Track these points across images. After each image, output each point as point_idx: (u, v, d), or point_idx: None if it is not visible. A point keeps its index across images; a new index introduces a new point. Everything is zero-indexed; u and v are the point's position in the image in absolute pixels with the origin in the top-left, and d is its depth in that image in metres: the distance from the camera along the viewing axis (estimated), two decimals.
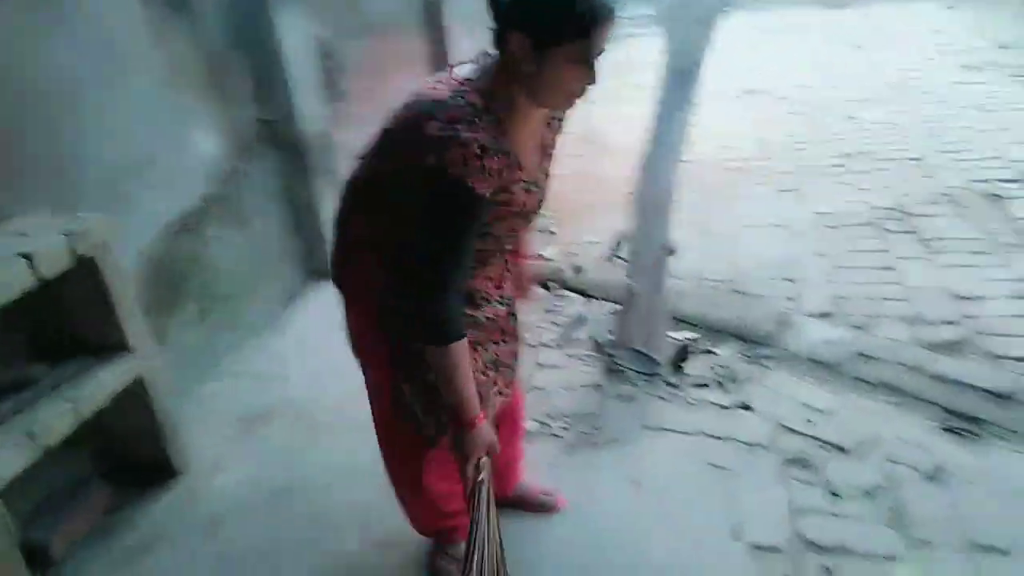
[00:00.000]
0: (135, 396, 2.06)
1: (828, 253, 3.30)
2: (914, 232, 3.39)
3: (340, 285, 1.52)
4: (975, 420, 2.27)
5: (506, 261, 1.55)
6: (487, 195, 1.23)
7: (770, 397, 2.41)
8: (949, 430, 2.23)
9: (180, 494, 2.17)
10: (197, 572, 1.92)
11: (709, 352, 2.68)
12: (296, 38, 3.05)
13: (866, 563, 1.79)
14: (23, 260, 1.66)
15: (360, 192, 1.43)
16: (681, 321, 2.89)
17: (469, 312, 1.44)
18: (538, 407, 2.43)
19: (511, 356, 1.61)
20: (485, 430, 1.39)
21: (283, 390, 2.64)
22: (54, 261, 1.74)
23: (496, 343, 1.55)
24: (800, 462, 2.12)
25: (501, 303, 1.55)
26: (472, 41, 5.42)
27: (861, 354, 2.60)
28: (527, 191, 1.35)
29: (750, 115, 5.31)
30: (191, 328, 2.65)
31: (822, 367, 2.57)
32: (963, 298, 2.85)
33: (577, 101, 1.32)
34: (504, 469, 1.85)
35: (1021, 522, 1.86)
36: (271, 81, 3.00)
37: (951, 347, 2.60)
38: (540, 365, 2.68)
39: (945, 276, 3.00)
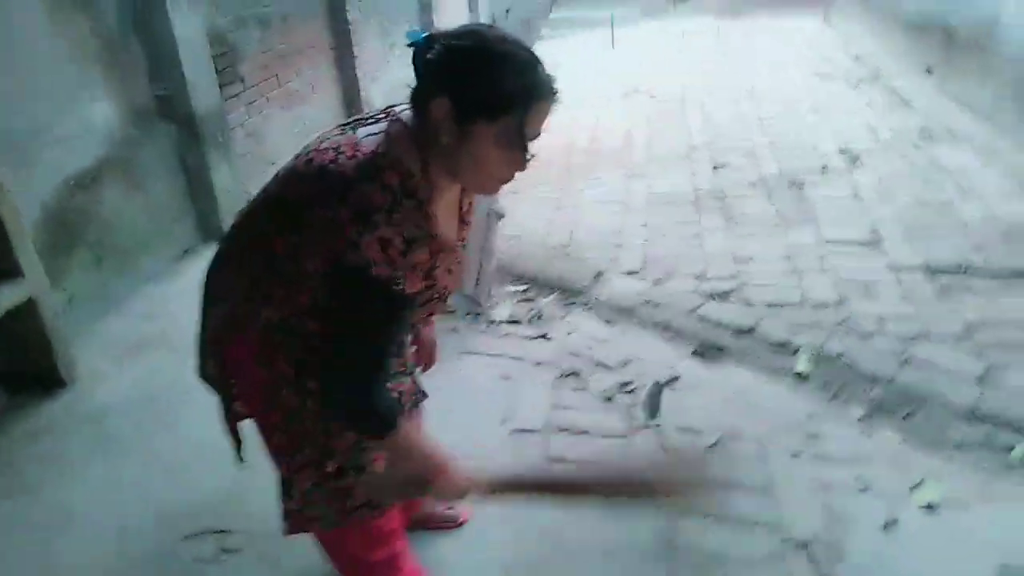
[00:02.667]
0: (26, 315, 2.51)
1: (650, 224, 3.91)
2: (724, 210, 4.03)
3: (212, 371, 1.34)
4: (720, 348, 2.88)
5: (413, 328, 1.47)
6: (418, 291, 1.16)
7: (566, 331, 2.98)
8: (696, 353, 2.83)
9: (67, 399, 2.62)
10: (80, 454, 2.36)
11: (529, 299, 3.24)
12: (189, 25, 3.49)
13: (598, 440, 2.36)
14: None
15: (241, 265, 1.25)
16: (519, 278, 3.45)
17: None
18: None
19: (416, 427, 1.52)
20: (459, 468, 1.28)
21: (168, 326, 3.08)
22: None
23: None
24: (572, 374, 2.69)
25: (406, 374, 1.51)
26: (376, 35, 5.91)
27: (649, 301, 3.20)
28: (448, 271, 1.24)
29: (625, 112, 5.94)
30: (87, 272, 3.07)
31: (618, 311, 3.15)
32: (743, 260, 3.47)
33: (503, 186, 1.20)
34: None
35: (718, 413, 2.45)
36: (164, 62, 3.43)
37: (722, 296, 3.21)
38: None
39: (736, 244, 3.63)
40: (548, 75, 1.11)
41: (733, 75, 6.78)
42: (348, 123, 1.22)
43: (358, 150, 1.11)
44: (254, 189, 1.33)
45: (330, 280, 1.09)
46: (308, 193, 1.11)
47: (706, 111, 5.70)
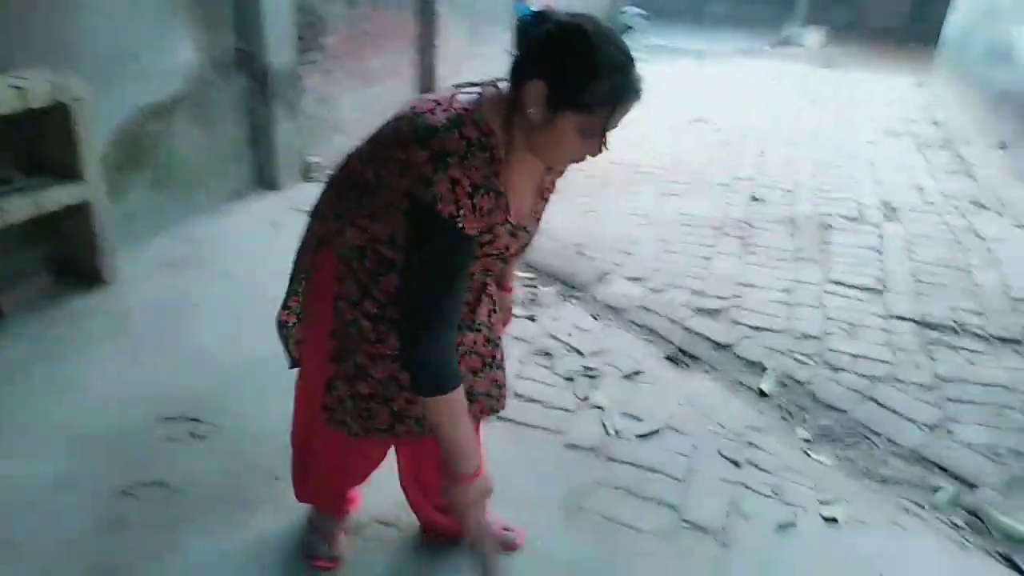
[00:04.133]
0: (82, 215, 2.88)
1: (668, 241, 4.06)
2: (744, 239, 4.14)
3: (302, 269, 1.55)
4: (694, 357, 3.02)
5: (484, 286, 1.49)
6: (476, 234, 1.22)
7: (553, 317, 3.18)
8: (669, 358, 2.98)
9: (103, 295, 2.98)
10: (101, 340, 2.71)
11: (531, 286, 3.45)
12: None
13: (548, 411, 2.55)
14: (16, 90, 2.48)
15: (340, 191, 1.43)
16: (528, 266, 3.66)
17: None
18: None
19: (489, 383, 1.58)
20: (482, 481, 1.34)
21: (207, 254, 3.44)
22: (39, 97, 2.56)
23: (473, 373, 1.52)
24: (544, 353, 2.89)
25: (473, 329, 1.50)
26: (464, 34, 6.25)
27: (642, 306, 3.36)
28: (511, 234, 1.32)
29: (685, 138, 6.07)
30: (145, 193, 3.46)
31: (609, 309, 3.33)
32: (742, 284, 3.59)
33: (575, 163, 1.31)
34: None
35: (666, 409, 2.58)
36: (248, 20, 3.81)
37: (711, 313, 3.34)
38: None
39: (742, 270, 3.75)
40: (639, 77, 1.21)
41: (802, 120, 6.80)
42: (460, 85, 1.35)
43: (452, 105, 1.25)
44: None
45: (407, 216, 1.23)
46: (401, 134, 1.26)
47: (763, 148, 5.78)
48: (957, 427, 2.64)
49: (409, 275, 1.25)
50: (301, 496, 1.86)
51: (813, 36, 11.00)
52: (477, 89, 1.30)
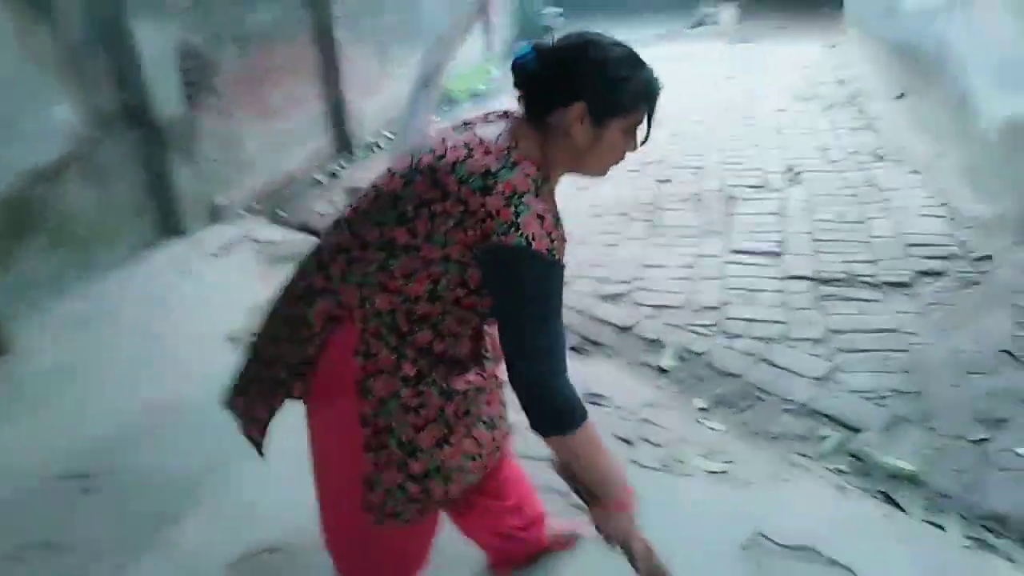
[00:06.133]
0: None
1: (576, 232, 4.09)
2: (651, 221, 4.21)
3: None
4: (597, 343, 3.07)
5: None
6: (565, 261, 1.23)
7: None
8: (572, 348, 3.03)
9: (4, 363, 2.96)
10: (4, 404, 2.71)
11: None
12: (153, 40, 3.87)
13: None
14: None
15: (352, 260, 1.29)
16: None
17: (474, 376, 1.36)
18: None
19: (502, 406, 1.52)
20: (633, 502, 1.34)
21: (112, 309, 3.42)
22: None
23: (503, 404, 1.50)
24: None
25: (489, 358, 1.44)
26: (371, 55, 6.28)
27: None
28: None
29: None
30: (40, 257, 3.44)
31: None
32: (647, 266, 3.66)
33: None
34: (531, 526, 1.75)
35: None
36: (128, 73, 3.82)
37: (614, 298, 3.40)
38: None
39: (647, 252, 3.82)
40: (650, 64, 1.28)
41: (715, 96, 6.93)
42: (460, 125, 1.35)
43: (488, 146, 1.23)
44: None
45: (489, 267, 1.19)
46: (440, 186, 1.20)
47: (673, 129, 5.87)
48: (845, 376, 2.71)
49: (520, 326, 1.20)
50: None
51: (727, 13, 11.18)
52: (497, 126, 1.29)
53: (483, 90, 7.55)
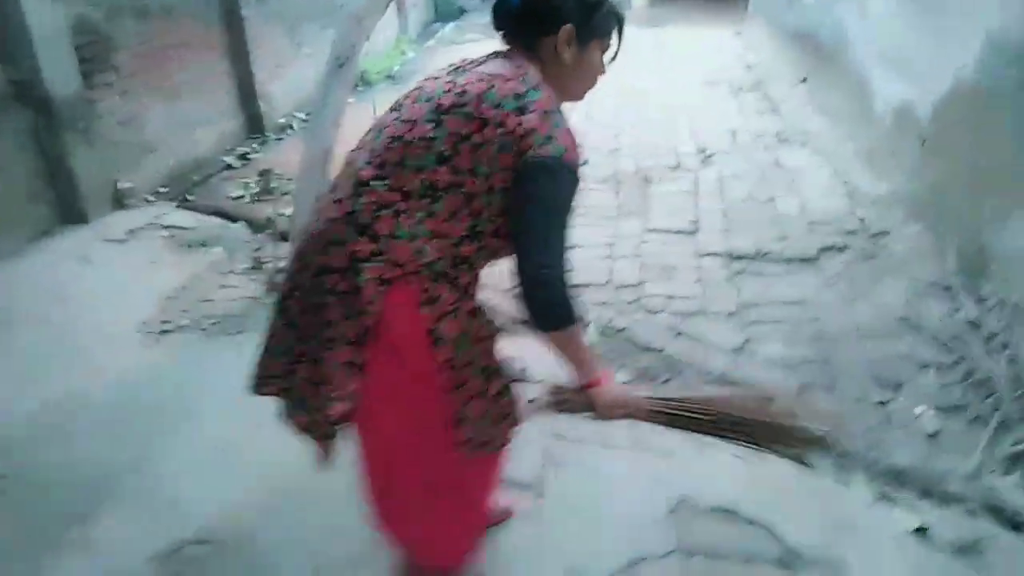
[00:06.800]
0: None
1: None
2: None
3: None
4: (522, 321, 3.09)
5: None
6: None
7: None
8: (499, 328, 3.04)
9: None
10: None
11: None
12: (44, 14, 3.63)
13: None
14: None
15: (399, 212, 1.29)
16: None
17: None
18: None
19: None
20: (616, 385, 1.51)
21: (7, 301, 3.22)
22: None
23: None
24: None
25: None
26: (280, 35, 6.08)
27: None
28: None
29: None
30: None
31: None
32: (570, 247, 3.70)
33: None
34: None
35: None
36: (18, 49, 3.58)
37: None
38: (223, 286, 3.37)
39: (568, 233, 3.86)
40: None
41: (627, 81, 7.05)
42: (455, 68, 1.42)
43: (506, 75, 1.30)
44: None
45: (522, 177, 1.25)
46: (479, 115, 1.26)
47: (587, 113, 5.96)
48: (758, 347, 2.84)
49: (546, 228, 1.28)
50: (460, 562, 1.67)
51: None
52: (497, 61, 1.37)
53: (398, 71, 7.44)
